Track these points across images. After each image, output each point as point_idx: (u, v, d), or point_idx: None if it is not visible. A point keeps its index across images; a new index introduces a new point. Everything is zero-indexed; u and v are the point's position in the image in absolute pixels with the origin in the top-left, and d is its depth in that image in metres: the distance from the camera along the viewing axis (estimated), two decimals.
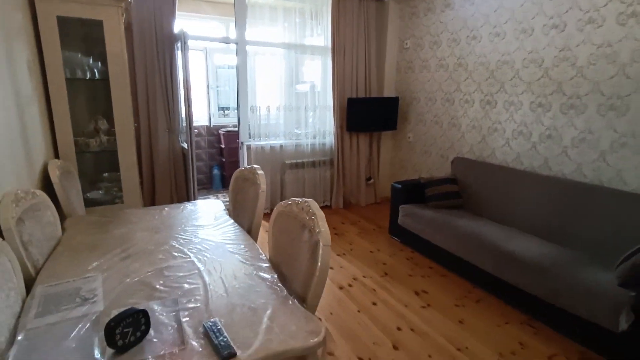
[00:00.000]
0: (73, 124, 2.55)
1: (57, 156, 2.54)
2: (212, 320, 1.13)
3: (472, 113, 3.60)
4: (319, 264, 1.21)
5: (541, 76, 2.95)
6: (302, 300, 1.28)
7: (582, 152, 2.74)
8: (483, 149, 3.52)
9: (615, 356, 1.97)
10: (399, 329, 2.26)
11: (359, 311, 2.43)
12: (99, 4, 2.47)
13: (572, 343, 2.15)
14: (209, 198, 4.84)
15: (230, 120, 5.45)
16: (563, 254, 2.36)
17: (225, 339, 1.04)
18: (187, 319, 1.14)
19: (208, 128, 5.28)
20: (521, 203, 2.92)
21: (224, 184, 5.29)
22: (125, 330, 1.00)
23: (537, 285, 2.27)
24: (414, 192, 3.44)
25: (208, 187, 5.35)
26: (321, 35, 4.21)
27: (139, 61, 3.36)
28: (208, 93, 5.21)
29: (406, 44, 4.31)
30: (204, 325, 1.11)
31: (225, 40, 4.58)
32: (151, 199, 3.67)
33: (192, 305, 1.21)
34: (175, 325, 1.12)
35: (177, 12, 3.48)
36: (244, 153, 4.07)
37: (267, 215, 3.71)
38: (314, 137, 4.39)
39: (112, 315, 1.04)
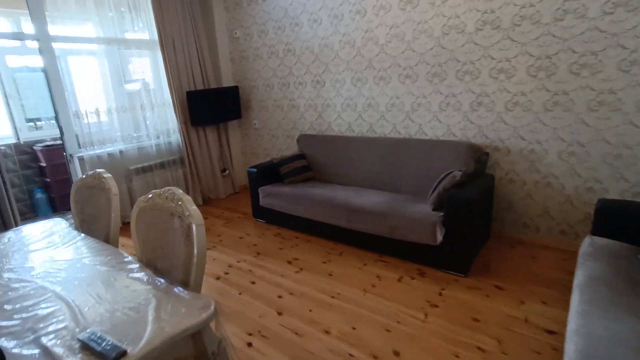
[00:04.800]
0: None
1: None
2: (87, 331, 1.07)
3: (306, 94, 3.97)
4: (195, 244, 1.25)
5: (355, 55, 3.48)
6: (185, 285, 1.30)
7: (394, 115, 3.39)
8: (320, 124, 3.96)
9: (438, 263, 2.60)
10: (279, 297, 2.44)
11: (240, 293, 2.52)
12: None
13: (411, 264, 2.73)
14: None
15: (45, 133, 4.60)
16: (394, 199, 2.92)
17: (110, 342, 1.01)
18: (55, 340, 1.05)
19: (17, 146, 4.34)
20: (358, 164, 3.44)
21: (55, 208, 4.49)
22: None
23: (380, 227, 2.77)
24: (269, 173, 3.65)
25: (32, 215, 4.45)
26: (145, 30, 3.93)
27: None
28: (7, 103, 4.26)
29: (235, 33, 4.40)
30: (78, 339, 1.04)
31: (19, 37, 3.81)
32: None
33: (56, 326, 1.11)
34: (38, 351, 1.02)
35: None
36: (75, 167, 3.54)
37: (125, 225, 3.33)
38: (158, 137, 4.13)
39: None
